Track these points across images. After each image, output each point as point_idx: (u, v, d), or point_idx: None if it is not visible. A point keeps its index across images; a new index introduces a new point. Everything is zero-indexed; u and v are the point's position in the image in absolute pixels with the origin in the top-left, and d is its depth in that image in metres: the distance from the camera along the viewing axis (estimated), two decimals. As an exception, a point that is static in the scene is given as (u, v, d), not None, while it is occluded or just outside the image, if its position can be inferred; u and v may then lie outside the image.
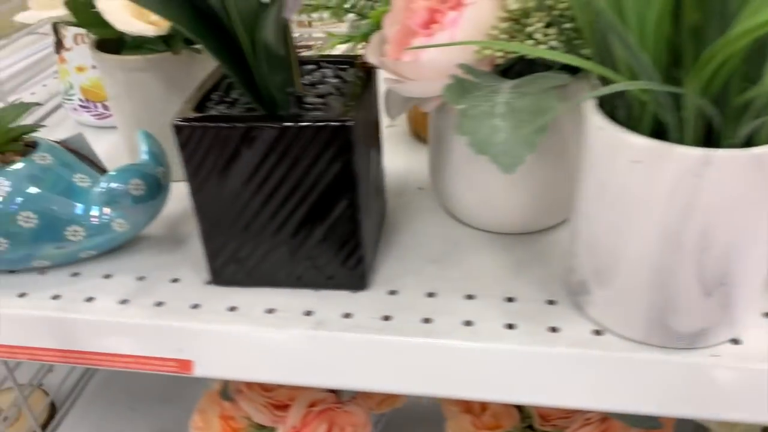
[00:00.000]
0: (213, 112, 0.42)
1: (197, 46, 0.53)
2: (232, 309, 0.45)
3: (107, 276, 0.48)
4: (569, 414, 0.54)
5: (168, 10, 0.37)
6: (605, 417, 0.53)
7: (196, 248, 0.50)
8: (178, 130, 0.40)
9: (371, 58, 0.44)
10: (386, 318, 0.43)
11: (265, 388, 0.56)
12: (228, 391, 0.59)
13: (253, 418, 0.56)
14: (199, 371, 0.44)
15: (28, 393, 0.75)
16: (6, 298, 0.47)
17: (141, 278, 0.48)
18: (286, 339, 0.43)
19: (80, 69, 0.66)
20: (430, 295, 0.44)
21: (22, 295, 0.47)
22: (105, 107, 0.67)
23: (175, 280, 0.47)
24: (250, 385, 0.57)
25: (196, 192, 0.42)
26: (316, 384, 0.43)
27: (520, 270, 0.46)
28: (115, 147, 0.64)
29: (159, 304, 0.45)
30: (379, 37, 0.44)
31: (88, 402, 0.83)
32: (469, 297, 0.44)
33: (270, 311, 0.44)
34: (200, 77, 0.55)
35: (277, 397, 0.55)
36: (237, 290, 0.46)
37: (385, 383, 0.42)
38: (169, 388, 0.82)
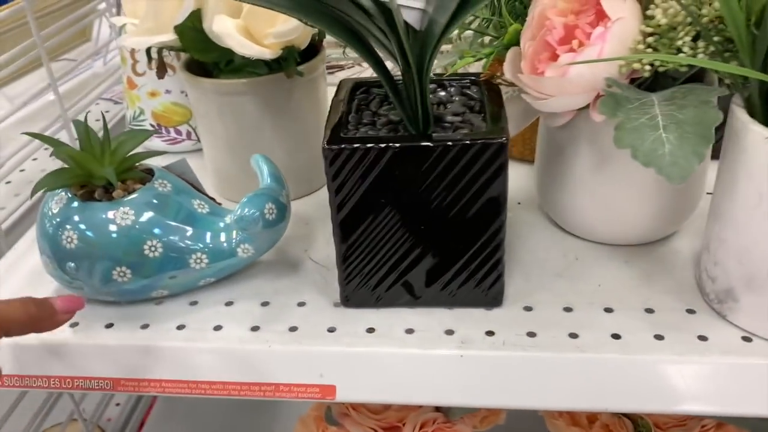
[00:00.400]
0: (357, 134, 0.42)
1: (301, 69, 0.52)
2: (370, 330, 0.44)
3: (229, 303, 0.48)
4: (685, 421, 0.55)
5: (331, 29, 0.37)
6: (721, 423, 0.54)
7: (312, 270, 0.50)
8: (329, 152, 0.40)
9: (508, 75, 0.44)
10: (531, 334, 0.43)
11: (373, 410, 0.56)
12: (333, 414, 0.58)
13: (363, 442, 0.55)
14: (341, 396, 0.43)
15: (91, 429, 0.73)
16: (129, 331, 0.45)
17: (265, 303, 0.47)
18: (433, 359, 0.42)
19: (153, 94, 0.65)
20: (567, 309, 0.45)
21: (144, 326, 0.46)
22: (177, 132, 0.66)
23: (301, 304, 0.47)
24: (357, 408, 0.56)
25: (338, 213, 0.42)
26: (466, 404, 0.43)
27: (649, 280, 0.46)
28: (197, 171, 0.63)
29: (293, 329, 0.45)
30: (515, 54, 0.44)
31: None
32: (608, 310, 0.44)
33: (409, 331, 0.44)
34: (300, 101, 0.55)
35: (387, 419, 0.55)
36: (368, 311, 0.46)
37: (534, 400, 0.42)
38: (231, 416, 0.81)
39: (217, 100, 0.54)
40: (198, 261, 0.45)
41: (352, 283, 0.45)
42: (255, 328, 0.45)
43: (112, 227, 0.43)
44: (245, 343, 0.44)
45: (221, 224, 0.46)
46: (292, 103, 0.55)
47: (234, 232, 0.46)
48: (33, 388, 0.46)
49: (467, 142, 0.39)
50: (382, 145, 0.39)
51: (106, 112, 0.85)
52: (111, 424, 0.81)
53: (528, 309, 0.45)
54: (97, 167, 0.44)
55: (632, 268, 0.48)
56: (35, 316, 0.36)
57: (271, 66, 0.52)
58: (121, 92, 0.87)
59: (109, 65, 0.93)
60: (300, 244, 0.53)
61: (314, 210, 0.57)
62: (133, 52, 0.64)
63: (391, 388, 0.43)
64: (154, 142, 0.67)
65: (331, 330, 0.44)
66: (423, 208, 0.41)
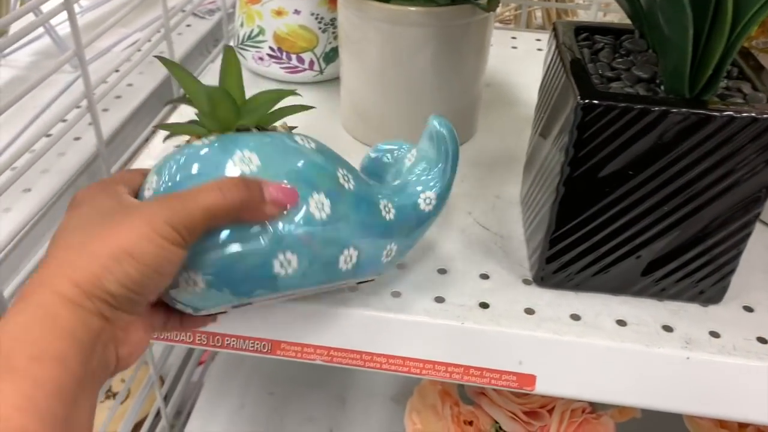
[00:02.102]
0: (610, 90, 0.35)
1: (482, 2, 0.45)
2: (575, 317, 0.39)
3: (401, 265, 0.42)
4: None
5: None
6: None
7: (483, 237, 0.44)
8: (585, 108, 0.33)
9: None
10: (763, 341, 0.37)
11: (517, 393, 0.51)
12: (467, 393, 0.53)
13: (503, 426, 0.50)
14: (541, 387, 0.38)
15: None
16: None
17: (442, 271, 0.41)
18: (655, 358, 0.37)
19: (279, 13, 0.57)
20: (794, 314, 0.39)
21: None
22: (300, 60, 0.59)
23: (484, 276, 0.41)
24: (497, 389, 0.51)
25: (567, 183, 0.36)
26: (689, 412, 0.38)
27: None
28: (322, 104, 0.56)
29: (483, 305, 0.39)
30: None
31: (217, 385, 0.76)
32: (843, 320, 0.39)
33: (621, 323, 0.38)
34: (470, 41, 0.48)
35: (530, 404, 0.50)
36: (566, 294, 0.40)
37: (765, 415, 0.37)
38: (306, 371, 0.76)
39: (381, 27, 0.47)
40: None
41: (555, 262, 0.39)
42: (439, 299, 0.39)
43: None
44: (433, 316, 0.38)
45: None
46: (462, 42, 0.48)
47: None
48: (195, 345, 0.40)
49: (756, 116, 0.32)
50: (656, 109, 0.33)
51: (188, 26, 0.77)
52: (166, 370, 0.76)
53: (749, 309, 0.40)
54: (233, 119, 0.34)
55: None
56: (246, 200, 0.29)
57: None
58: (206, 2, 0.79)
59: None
60: (462, 204, 0.47)
61: (470, 166, 0.50)
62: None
63: (601, 385, 0.38)
64: (272, 68, 0.60)
65: (529, 312, 0.39)
66: (674, 186, 0.35)
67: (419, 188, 0.37)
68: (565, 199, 0.37)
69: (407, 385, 0.69)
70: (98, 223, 0.29)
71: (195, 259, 0.30)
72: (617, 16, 0.77)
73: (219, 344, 0.40)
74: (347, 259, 0.32)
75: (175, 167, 0.32)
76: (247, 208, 0.29)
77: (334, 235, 0.32)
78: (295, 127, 0.37)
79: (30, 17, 0.51)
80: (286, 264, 0.30)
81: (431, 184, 0.37)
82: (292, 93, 0.36)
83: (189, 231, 0.28)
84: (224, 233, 0.30)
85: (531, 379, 0.38)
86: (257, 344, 0.39)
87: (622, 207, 0.36)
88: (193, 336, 0.40)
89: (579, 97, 0.34)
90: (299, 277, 0.31)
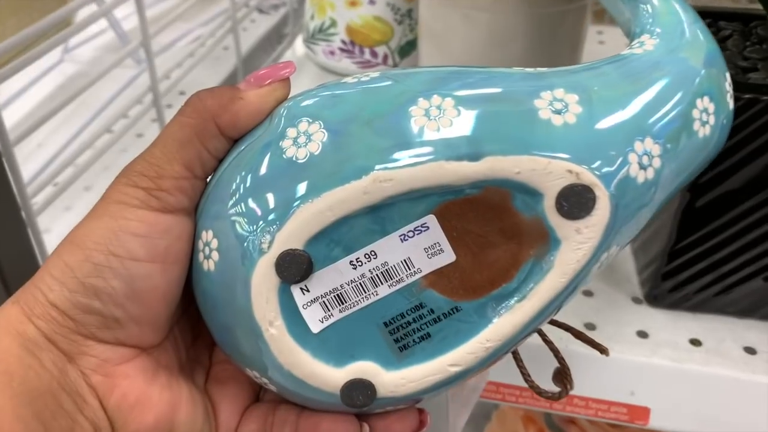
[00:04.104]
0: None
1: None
2: (695, 343, 0.34)
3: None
4: None
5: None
6: None
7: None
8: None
9: None
10: None
11: (612, 424, 0.46)
12: (554, 420, 0.48)
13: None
14: (656, 422, 0.33)
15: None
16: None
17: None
18: (793, 394, 0.32)
19: (353, 3, 0.54)
20: None
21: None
22: (373, 54, 0.55)
23: (588, 294, 0.36)
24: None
25: (697, 190, 0.31)
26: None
27: None
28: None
29: (590, 326, 0.34)
30: None
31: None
32: None
33: (750, 351, 0.33)
34: (566, 33, 0.44)
35: (626, 435, 0.45)
36: (683, 316, 0.35)
37: None
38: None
39: (469, 15, 0.43)
40: None
41: (671, 280, 0.34)
42: (537, 319, 0.35)
43: None
44: (532, 337, 0.34)
45: None
46: (558, 32, 0.44)
47: None
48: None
49: None
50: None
51: (252, 22, 0.74)
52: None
53: None
54: None
55: None
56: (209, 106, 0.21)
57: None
58: None
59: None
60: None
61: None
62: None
63: (726, 422, 0.33)
64: (343, 63, 0.56)
65: (642, 335, 0.34)
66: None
67: None
68: (690, 207, 0.32)
69: (481, 405, 0.65)
70: None
71: None
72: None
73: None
74: None
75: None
76: (219, 109, 0.20)
77: None
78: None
79: (94, 8, 0.48)
80: None
81: None
82: None
83: (158, 182, 0.20)
84: None
85: (644, 412, 0.33)
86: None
87: (757, 218, 0.32)
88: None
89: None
90: None
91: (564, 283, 0.20)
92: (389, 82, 0.20)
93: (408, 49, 0.55)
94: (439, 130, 0.19)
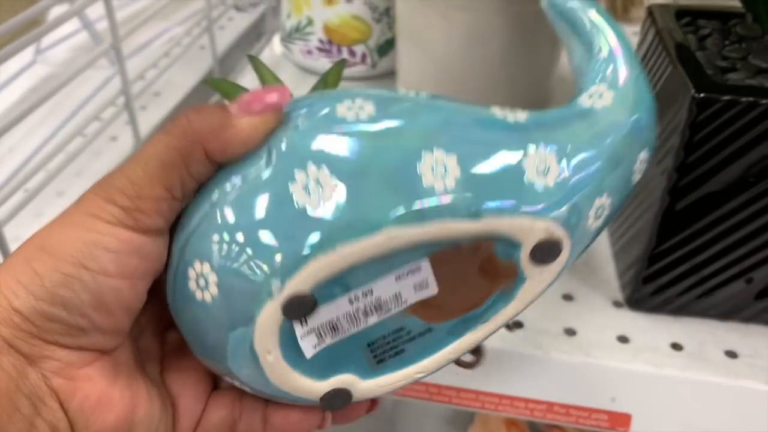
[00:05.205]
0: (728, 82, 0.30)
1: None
2: (677, 347, 0.33)
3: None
4: None
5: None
6: None
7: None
8: (701, 103, 0.28)
9: None
10: None
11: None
12: (538, 425, 0.48)
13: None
14: (638, 429, 0.33)
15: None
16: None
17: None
18: (775, 399, 0.31)
19: (330, 2, 0.53)
20: None
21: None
22: (351, 53, 0.54)
23: (567, 298, 0.36)
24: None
25: (676, 191, 0.31)
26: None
27: None
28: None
29: (569, 332, 0.34)
30: None
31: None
32: None
33: (731, 355, 0.33)
34: (544, 30, 0.43)
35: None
36: (664, 319, 0.35)
37: None
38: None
39: (447, 14, 0.42)
40: None
41: (652, 283, 0.34)
42: (517, 324, 0.34)
43: None
44: (512, 344, 0.33)
45: None
46: (536, 30, 0.43)
47: None
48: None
49: None
50: None
51: (230, 20, 0.73)
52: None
53: None
54: None
55: None
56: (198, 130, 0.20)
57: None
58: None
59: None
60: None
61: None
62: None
63: (709, 428, 0.32)
64: (320, 62, 0.55)
65: (623, 340, 0.34)
66: (804, 197, 0.30)
67: None
68: (670, 210, 0.31)
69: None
70: None
71: None
72: None
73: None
74: None
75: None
76: (208, 134, 0.20)
77: None
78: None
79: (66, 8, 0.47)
80: None
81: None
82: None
83: (137, 202, 0.20)
84: None
85: (625, 418, 0.33)
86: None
87: (738, 220, 0.31)
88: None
89: (694, 91, 0.28)
90: None
91: (521, 308, 0.23)
92: (391, 124, 0.21)
93: (387, 47, 0.55)
94: (445, 190, 0.20)
